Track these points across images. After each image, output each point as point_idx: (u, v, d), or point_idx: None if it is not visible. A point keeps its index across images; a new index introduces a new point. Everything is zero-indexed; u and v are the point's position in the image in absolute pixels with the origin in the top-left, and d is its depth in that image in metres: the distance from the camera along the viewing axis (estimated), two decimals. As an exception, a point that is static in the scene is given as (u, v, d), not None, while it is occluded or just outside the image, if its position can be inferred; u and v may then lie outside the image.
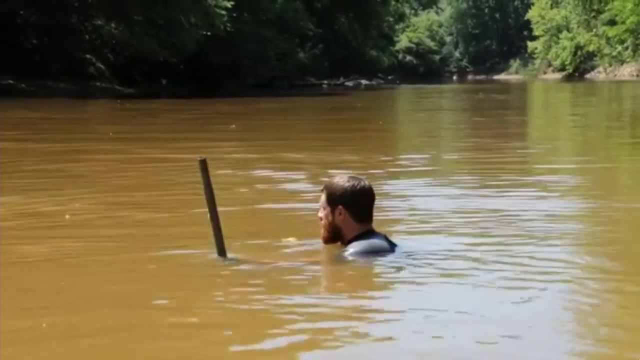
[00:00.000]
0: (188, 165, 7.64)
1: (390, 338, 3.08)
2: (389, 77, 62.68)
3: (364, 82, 52.62)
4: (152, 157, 9.62)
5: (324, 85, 47.49)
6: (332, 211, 4.24)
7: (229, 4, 35.61)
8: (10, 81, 29.90)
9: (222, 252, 4.09)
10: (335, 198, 4.23)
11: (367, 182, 4.31)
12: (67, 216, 5.23)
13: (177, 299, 3.56)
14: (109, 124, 17.52)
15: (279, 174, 7.82)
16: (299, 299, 3.55)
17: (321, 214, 4.30)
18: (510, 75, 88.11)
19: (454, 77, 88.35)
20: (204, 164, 4.07)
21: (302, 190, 6.70)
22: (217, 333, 3.16)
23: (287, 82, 44.70)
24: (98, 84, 34.21)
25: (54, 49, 32.69)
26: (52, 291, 3.73)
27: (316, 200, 4.50)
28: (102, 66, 35.83)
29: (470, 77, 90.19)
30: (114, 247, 4.53)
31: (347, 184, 4.24)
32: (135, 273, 4.02)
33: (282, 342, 3.05)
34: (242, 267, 4.02)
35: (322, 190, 4.35)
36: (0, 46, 30.11)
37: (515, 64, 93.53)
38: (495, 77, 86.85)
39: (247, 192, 6.67)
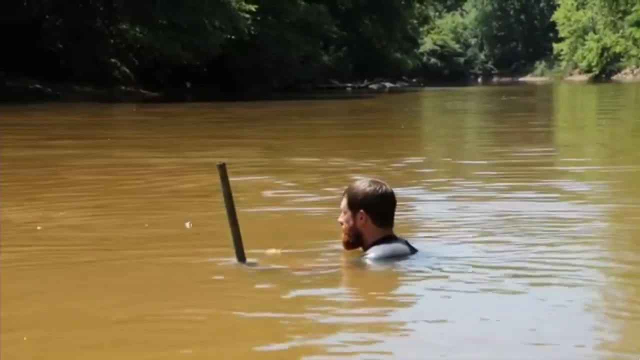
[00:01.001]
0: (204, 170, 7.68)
1: (411, 344, 3.06)
2: (413, 80, 62.57)
3: (388, 84, 52.52)
4: (165, 161, 9.64)
5: (348, 88, 47.47)
6: (353, 215, 4.21)
7: (252, 8, 35.70)
8: (37, 85, 30.18)
9: (241, 257, 4.07)
10: (357, 202, 4.20)
11: (388, 187, 4.27)
12: (38, 227, 5.17)
13: (196, 305, 3.55)
14: (124, 128, 17.63)
15: (299, 178, 7.81)
16: (318, 303, 3.53)
17: (341, 218, 4.27)
18: (536, 77, 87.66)
19: (479, 80, 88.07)
20: (223, 169, 4.04)
21: (323, 194, 6.66)
22: (236, 338, 3.15)
23: (311, 85, 44.74)
24: (123, 87, 34.43)
25: (79, 53, 32.94)
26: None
27: (337, 205, 4.46)
28: (127, 70, 36.05)
29: (495, 79, 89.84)
30: (134, 253, 4.53)
31: (368, 188, 4.21)
32: (155, 278, 4.01)
33: (299, 346, 3.04)
34: (262, 272, 4.00)
35: (342, 195, 4.32)
36: (27, 51, 30.38)
37: (540, 65, 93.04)
38: (521, 79, 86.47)
39: (266, 197, 6.66)
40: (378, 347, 3.02)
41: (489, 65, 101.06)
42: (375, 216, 4.20)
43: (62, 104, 24.77)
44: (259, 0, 36.60)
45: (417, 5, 63.23)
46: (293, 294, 3.67)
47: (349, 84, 49.42)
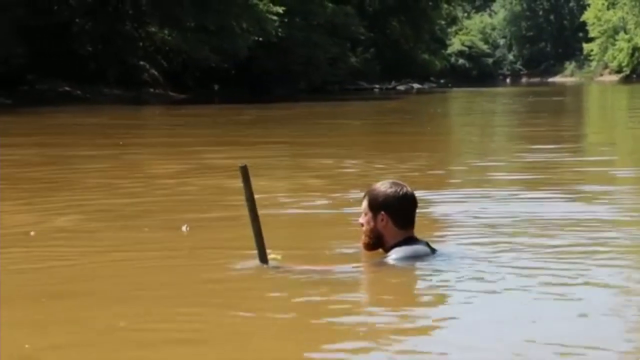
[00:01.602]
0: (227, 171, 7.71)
1: (435, 345, 3.06)
2: (441, 81, 62.30)
3: (415, 85, 52.35)
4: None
5: (376, 90, 47.38)
6: (374, 217, 4.20)
7: (280, 10, 35.76)
8: (67, 88, 30.47)
9: (263, 258, 4.06)
10: (378, 204, 4.19)
11: (409, 188, 4.26)
12: (32, 233, 5.11)
13: (219, 306, 3.56)
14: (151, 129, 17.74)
15: (323, 180, 7.81)
16: (340, 305, 3.54)
17: (362, 220, 4.26)
18: (566, 78, 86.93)
19: (507, 80, 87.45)
20: (245, 171, 4.03)
21: (343, 195, 6.64)
22: (259, 339, 3.16)
23: (339, 87, 44.69)
24: (152, 90, 34.64)
25: (108, 56, 33.20)
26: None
27: (357, 206, 4.47)
28: (155, 72, 36.27)
29: (524, 80, 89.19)
30: (155, 255, 4.52)
31: (389, 190, 4.20)
32: (178, 280, 4.02)
33: (322, 348, 3.04)
34: (284, 273, 4.00)
35: (363, 196, 4.31)
36: (56, 54, 30.68)
37: (570, 66, 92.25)
38: (550, 79, 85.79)
39: (289, 198, 6.66)
40: (400, 347, 3.02)
41: (518, 65, 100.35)
42: (396, 218, 4.19)
43: (90, 107, 24.98)
44: (287, 2, 36.65)
45: (445, 6, 62.92)
46: (314, 295, 3.67)
47: (377, 86, 49.32)
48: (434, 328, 3.25)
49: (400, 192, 4.20)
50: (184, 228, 5.08)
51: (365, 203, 4.25)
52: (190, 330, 3.28)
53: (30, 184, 7.87)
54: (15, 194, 7.06)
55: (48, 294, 3.80)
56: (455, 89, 50.47)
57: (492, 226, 5.18)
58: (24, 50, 28.31)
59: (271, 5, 35.55)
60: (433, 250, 4.22)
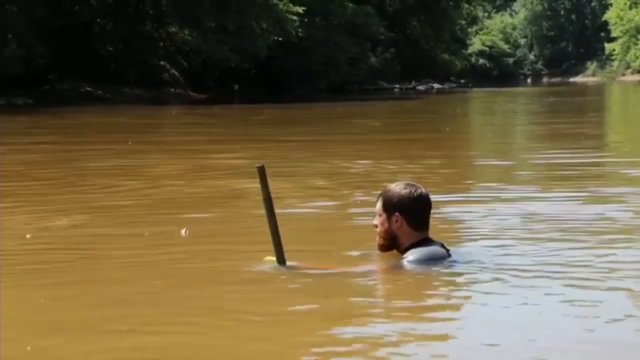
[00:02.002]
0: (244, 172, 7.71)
1: (453, 348, 3.06)
2: (462, 81, 62.10)
3: (435, 85, 52.22)
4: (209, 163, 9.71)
5: (396, 90, 47.32)
6: (389, 218, 4.19)
7: (300, 10, 35.78)
8: (88, 88, 30.66)
9: (281, 260, 4.05)
10: (392, 205, 4.18)
11: (423, 190, 4.25)
12: (27, 236, 5.05)
13: (237, 309, 3.55)
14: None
15: (339, 180, 7.81)
16: (358, 307, 3.54)
17: (376, 221, 4.25)
18: (587, 78, 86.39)
19: (528, 80, 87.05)
20: (262, 171, 4.01)
21: (358, 196, 6.61)
22: (273, 339, 3.17)
23: (359, 87, 44.66)
24: (172, 90, 34.78)
25: (129, 57, 33.36)
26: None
27: (371, 207, 4.46)
28: (176, 72, 36.41)
29: (545, 79, 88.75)
30: (172, 258, 4.52)
31: (404, 191, 4.19)
32: (197, 281, 4.01)
33: (337, 350, 3.04)
34: (301, 275, 3.99)
35: (377, 197, 4.30)
36: (77, 54, 30.89)
37: (592, 66, 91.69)
38: (571, 79, 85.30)
39: (304, 198, 6.63)
40: (418, 350, 3.02)
41: (539, 65, 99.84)
42: (410, 219, 4.18)
43: (109, 107, 25.09)
44: (307, 2, 36.67)
45: (466, 5, 62.73)
46: (331, 296, 3.67)
47: (397, 85, 49.23)
48: (451, 331, 3.23)
49: (415, 193, 4.19)
50: (183, 232, 5.00)
51: (379, 204, 4.24)
52: (204, 332, 3.28)
53: (34, 182, 7.89)
54: (17, 193, 7.06)
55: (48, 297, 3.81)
56: (475, 89, 50.29)
57: (509, 227, 5.16)
58: (45, 51, 28.51)
59: (291, 5, 35.59)
60: (448, 252, 4.20)
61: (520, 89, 52.57)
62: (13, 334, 3.26)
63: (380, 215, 4.23)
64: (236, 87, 38.60)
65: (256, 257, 4.21)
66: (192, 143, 12.62)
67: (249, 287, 3.89)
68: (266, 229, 4.04)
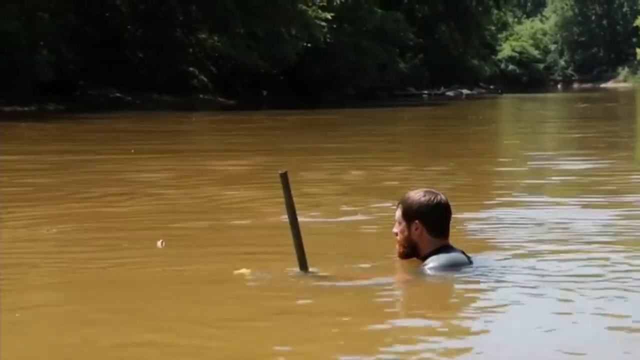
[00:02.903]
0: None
1: (477, 355, 3.05)
2: (491, 87, 61.72)
3: (465, 91, 51.97)
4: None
5: (424, 96, 47.20)
6: (408, 226, 4.18)
7: (329, 16, 35.83)
8: (118, 94, 30.93)
9: (303, 266, 4.05)
10: (412, 212, 4.17)
11: (443, 196, 4.23)
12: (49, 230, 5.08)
13: (259, 314, 3.57)
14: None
15: (359, 188, 7.80)
16: (381, 313, 3.54)
17: (396, 229, 4.24)
18: (619, 84, 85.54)
19: (559, 86, 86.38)
20: (285, 178, 4.00)
21: (376, 203, 6.59)
22: (293, 346, 3.17)
23: (387, 93, 44.59)
24: (201, 96, 34.97)
25: (159, 63, 33.61)
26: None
27: (390, 214, 4.46)
28: (204, 78, 36.60)
29: (575, 85, 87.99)
30: (192, 266, 4.49)
31: (423, 198, 4.17)
32: (218, 288, 4.01)
33: (361, 357, 3.05)
34: (324, 281, 3.99)
35: (397, 205, 4.28)
36: (107, 61, 31.16)
37: (623, 71, 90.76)
38: (602, 85, 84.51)
39: (329, 206, 6.63)
40: (441, 357, 3.02)
41: (569, 71, 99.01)
42: (430, 226, 4.16)
43: (136, 113, 25.21)
44: (335, 8, 36.72)
45: (495, 11, 62.48)
46: (354, 303, 3.67)
47: (425, 91, 49.11)
48: (473, 339, 3.22)
49: (435, 201, 4.17)
50: (159, 244, 4.88)
51: (399, 212, 4.23)
52: (223, 336, 3.30)
53: (27, 189, 7.91)
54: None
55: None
56: (505, 95, 50.03)
57: (531, 233, 5.13)
58: (75, 57, 28.81)
59: (320, 11, 35.67)
60: (469, 259, 4.19)
61: (550, 95, 52.20)
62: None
63: (400, 223, 4.22)
64: (265, 93, 38.72)
65: (280, 260, 4.22)
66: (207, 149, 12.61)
67: (264, 294, 3.89)
68: (289, 235, 4.04)
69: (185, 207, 6.69)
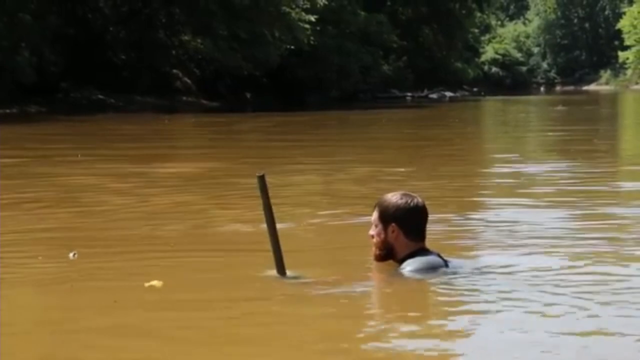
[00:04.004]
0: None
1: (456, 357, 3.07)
2: (474, 89, 62.04)
3: (448, 94, 52.20)
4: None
5: (408, 98, 47.35)
6: (385, 228, 4.20)
7: (312, 18, 35.87)
8: (100, 96, 30.83)
9: (281, 270, 4.04)
10: (388, 215, 4.19)
11: (420, 200, 4.25)
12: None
13: (236, 318, 3.57)
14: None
15: (333, 189, 7.80)
16: (355, 319, 3.55)
17: (372, 231, 4.25)
18: (601, 86, 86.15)
19: (542, 89, 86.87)
20: (262, 180, 4.00)
21: (354, 206, 6.58)
22: (270, 351, 3.19)
23: (371, 95, 44.72)
24: (184, 98, 34.91)
25: (141, 65, 33.54)
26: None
27: (367, 217, 4.47)
28: (188, 80, 36.56)
29: (558, 88, 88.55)
30: (169, 270, 4.48)
31: (400, 201, 4.19)
32: (196, 292, 4.01)
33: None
34: (302, 285, 3.99)
35: (374, 208, 4.30)
36: (90, 63, 31.07)
37: (605, 74, 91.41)
38: (585, 87, 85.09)
39: (306, 208, 6.61)
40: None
41: (552, 74, 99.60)
42: (406, 229, 4.18)
43: (113, 115, 25.10)
44: (319, 10, 36.77)
45: (479, 14, 62.77)
46: (331, 307, 3.68)
47: (409, 94, 49.27)
48: (451, 342, 3.24)
49: (411, 203, 4.19)
50: (71, 255, 4.65)
51: (375, 214, 4.24)
52: (200, 342, 3.30)
53: None
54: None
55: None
56: (488, 98, 50.27)
57: (505, 235, 5.17)
58: (58, 59, 28.70)
59: (303, 13, 35.68)
60: (446, 262, 4.21)
61: (532, 98, 52.45)
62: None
63: (376, 226, 4.23)
64: (248, 95, 38.72)
65: (257, 263, 4.22)
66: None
67: (244, 295, 3.89)
68: (266, 238, 4.04)
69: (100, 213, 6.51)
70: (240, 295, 3.90)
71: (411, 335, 3.29)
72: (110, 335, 3.35)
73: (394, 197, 4.23)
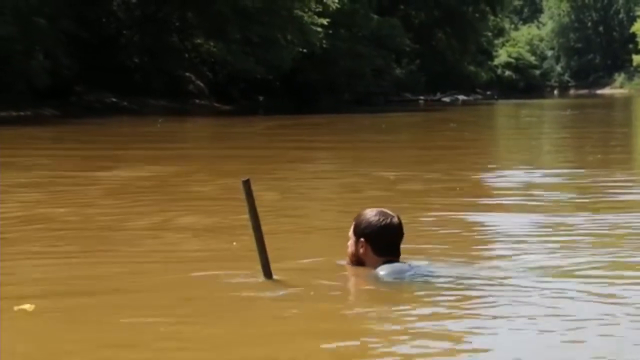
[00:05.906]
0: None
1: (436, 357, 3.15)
2: (487, 93, 61.84)
3: (461, 97, 52.08)
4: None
5: (421, 101, 47.29)
6: (356, 242, 4.33)
7: (325, 21, 35.89)
8: (114, 99, 31.02)
9: (267, 273, 4.10)
10: (359, 230, 4.30)
11: (395, 219, 4.31)
12: None
13: (222, 322, 3.63)
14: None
15: (322, 191, 7.92)
16: (333, 320, 3.64)
17: (348, 242, 4.39)
18: (615, 90, 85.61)
19: (555, 92, 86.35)
20: (247, 185, 4.04)
21: (340, 208, 6.66)
22: (253, 350, 3.27)
23: (383, 98, 44.68)
24: (197, 101, 35.05)
25: (155, 68, 33.70)
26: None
27: (347, 223, 4.55)
28: (201, 84, 36.71)
29: (572, 91, 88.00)
30: (156, 269, 4.55)
31: (373, 218, 4.28)
32: (182, 295, 4.06)
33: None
34: (284, 288, 4.04)
35: (353, 219, 4.41)
36: (104, 66, 31.25)
37: (619, 78, 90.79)
38: (599, 91, 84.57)
39: (291, 213, 6.65)
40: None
41: (566, 77, 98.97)
42: (375, 247, 4.27)
43: (131, 118, 25.13)
44: (332, 14, 36.81)
45: (492, 17, 62.59)
46: (316, 310, 3.75)
47: (422, 97, 49.22)
48: (425, 342, 3.28)
49: (383, 222, 4.26)
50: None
51: (352, 227, 4.36)
52: (191, 346, 3.36)
53: None
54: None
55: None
56: (501, 101, 49.93)
57: (477, 239, 5.31)
58: (72, 62, 28.90)
59: (316, 17, 35.71)
60: (414, 268, 4.27)
61: (545, 102, 52.04)
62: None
63: (350, 238, 4.37)
64: (261, 98, 38.81)
65: (244, 267, 4.29)
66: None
67: (230, 296, 3.96)
68: (252, 242, 4.10)
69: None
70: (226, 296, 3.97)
71: (385, 333, 3.38)
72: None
73: (369, 214, 4.31)
